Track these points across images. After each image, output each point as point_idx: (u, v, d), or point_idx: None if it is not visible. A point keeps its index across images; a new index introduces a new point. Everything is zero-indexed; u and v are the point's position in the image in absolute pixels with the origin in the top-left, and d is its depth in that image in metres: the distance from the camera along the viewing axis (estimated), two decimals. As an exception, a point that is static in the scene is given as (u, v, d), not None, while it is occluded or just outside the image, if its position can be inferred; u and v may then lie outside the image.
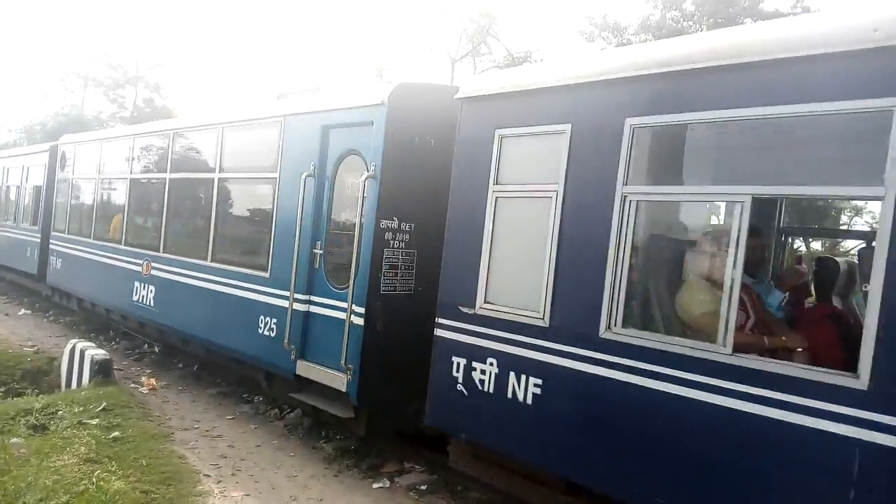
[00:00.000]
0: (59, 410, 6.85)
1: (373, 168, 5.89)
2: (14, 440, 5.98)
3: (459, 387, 5.08)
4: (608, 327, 4.17)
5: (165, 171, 9.14)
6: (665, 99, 4.05)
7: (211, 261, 7.95)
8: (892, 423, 3.01)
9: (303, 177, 6.53)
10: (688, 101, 3.94)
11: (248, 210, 7.95)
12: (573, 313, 4.40)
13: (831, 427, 3.21)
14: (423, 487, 5.98)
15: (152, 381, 8.68)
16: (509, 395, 4.72)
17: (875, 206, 3.53)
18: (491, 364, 4.88)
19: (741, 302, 3.96)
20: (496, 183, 4.97)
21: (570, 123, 4.48)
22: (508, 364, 4.75)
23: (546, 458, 4.60)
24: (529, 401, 4.59)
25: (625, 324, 4.15)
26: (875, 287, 3.16)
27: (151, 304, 9.05)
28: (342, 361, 5.92)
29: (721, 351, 3.67)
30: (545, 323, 4.53)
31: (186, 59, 72.03)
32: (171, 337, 9.30)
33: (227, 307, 7.58)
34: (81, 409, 6.95)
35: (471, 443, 5.31)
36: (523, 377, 4.65)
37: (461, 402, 5.07)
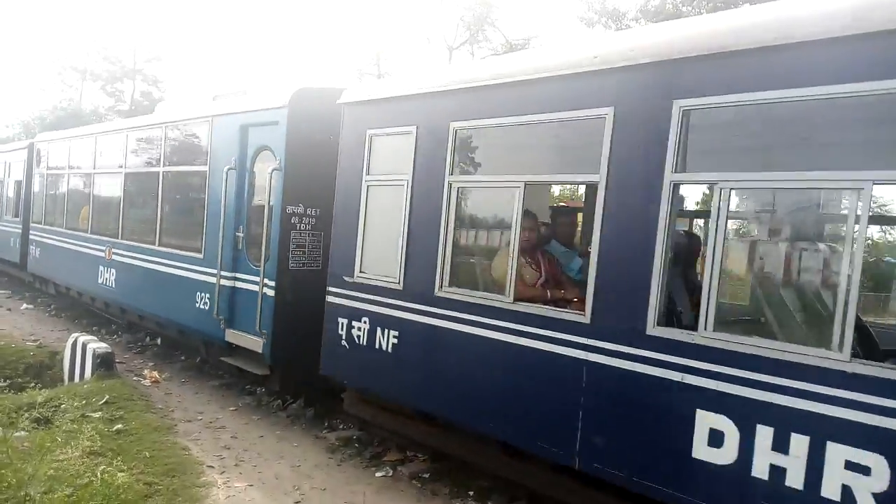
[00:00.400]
0: (62, 404, 6.86)
1: (278, 161, 6.91)
2: (17, 433, 6.00)
3: (343, 342, 6.26)
4: (440, 287, 5.31)
5: (122, 166, 10.23)
6: (470, 107, 5.21)
7: (158, 245, 9.06)
8: (603, 346, 4.24)
9: (226, 170, 7.55)
10: (483, 110, 5.11)
11: (187, 199, 8.86)
12: (418, 278, 5.49)
13: (571, 352, 4.42)
14: (426, 475, 6.00)
15: (155, 373, 8.70)
16: (377, 346, 5.88)
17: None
18: (364, 322, 6.02)
19: (537, 264, 5.29)
20: (367, 174, 6.09)
21: (416, 125, 5.58)
22: (376, 321, 5.90)
23: (403, 394, 5.88)
24: (390, 349, 5.77)
25: (450, 284, 5.28)
26: (593, 255, 4.31)
27: (113, 285, 10.17)
28: (258, 328, 7.05)
29: (505, 300, 4.85)
30: (400, 287, 5.66)
31: (184, 51, 71.75)
32: (130, 314, 10.34)
33: (172, 285, 8.66)
34: (84, 402, 6.97)
35: (353, 388, 6.66)
36: (386, 331, 5.81)
37: (345, 354, 6.26)
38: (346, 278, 6.23)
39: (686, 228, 6.37)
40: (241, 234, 7.54)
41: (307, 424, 7.26)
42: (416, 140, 5.56)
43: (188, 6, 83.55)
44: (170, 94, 39.79)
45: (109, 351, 8.33)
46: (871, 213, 3.33)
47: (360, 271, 6.10)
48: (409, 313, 5.60)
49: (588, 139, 4.54)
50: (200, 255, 8.11)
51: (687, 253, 5.50)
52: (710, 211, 3.90)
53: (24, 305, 13.77)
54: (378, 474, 5.98)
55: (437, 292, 5.32)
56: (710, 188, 4.06)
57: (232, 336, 7.60)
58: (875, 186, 3.25)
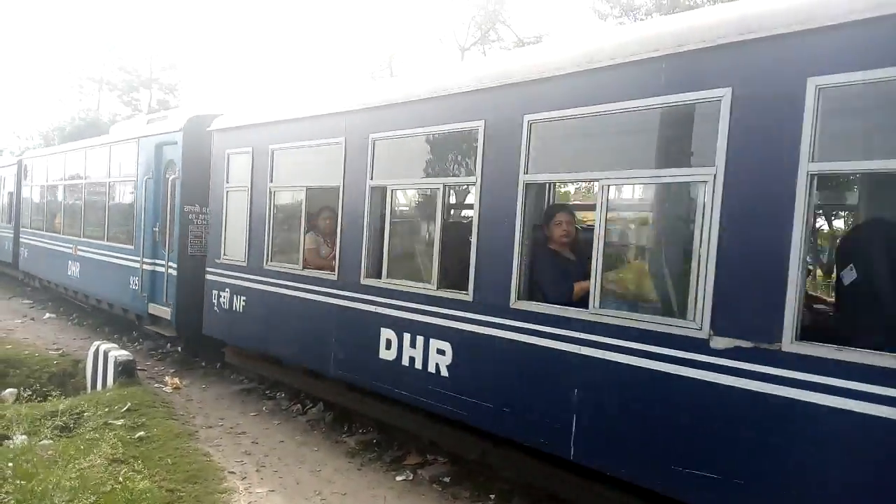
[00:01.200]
0: (84, 412, 6.93)
1: (178, 172, 9.21)
2: (42, 442, 6.06)
3: (215, 308, 8.44)
4: (268, 261, 7.53)
5: (83, 178, 12.67)
6: (283, 135, 7.40)
7: (106, 240, 11.43)
8: (483, 319, 5.07)
9: (145, 179, 10.01)
10: (289, 136, 7.35)
11: (125, 204, 11.06)
12: (256, 257, 7.72)
13: (458, 325, 5.31)
14: (447, 479, 5.97)
15: (175, 380, 8.76)
16: (234, 308, 8.08)
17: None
18: (227, 291, 8.23)
19: (332, 244, 6.92)
20: (227, 182, 8.26)
21: (251, 147, 7.78)
22: (233, 290, 8.10)
23: (253, 343, 7.98)
24: (241, 311, 7.97)
25: (272, 259, 7.52)
26: (473, 246, 5.11)
27: (78, 276, 12.48)
28: (165, 300, 9.40)
29: (297, 269, 7.05)
30: (245, 264, 7.88)
31: (199, 57, 72.36)
32: (90, 299, 12.47)
33: (114, 272, 11.00)
34: (107, 409, 7.03)
35: (229, 343, 8.75)
36: (239, 297, 7.99)
37: (217, 317, 8.43)
38: (216, 260, 8.45)
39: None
40: (156, 229, 9.75)
41: (326, 429, 7.27)
42: (252, 157, 7.76)
43: (201, 12, 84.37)
44: (185, 100, 40.20)
45: (131, 358, 8.40)
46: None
47: (224, 255, 8.31)
48: (250, 283, 7.82)
49: (467, 147, 5.27)
50: (132, 247, 10.42)
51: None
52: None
53: (47, 315, 13.95)
54: (399, 478, 5.96)
55: (265, 266, 7.56)
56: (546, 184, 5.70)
57: (152, 308, 9.85)
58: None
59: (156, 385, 8.58)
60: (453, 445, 5.98)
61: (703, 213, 3.77)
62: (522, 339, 4.76)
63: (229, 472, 5.77)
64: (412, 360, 5.69)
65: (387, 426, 7.02)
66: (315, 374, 7.24)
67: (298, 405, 8.01)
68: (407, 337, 5.74)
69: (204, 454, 6.15)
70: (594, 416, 4.32)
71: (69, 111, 39.21)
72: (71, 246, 12.77)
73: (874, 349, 3.17)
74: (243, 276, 7.92)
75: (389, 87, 6.52)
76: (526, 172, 4.73)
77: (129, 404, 7.17)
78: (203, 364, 9.81)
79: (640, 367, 4.06)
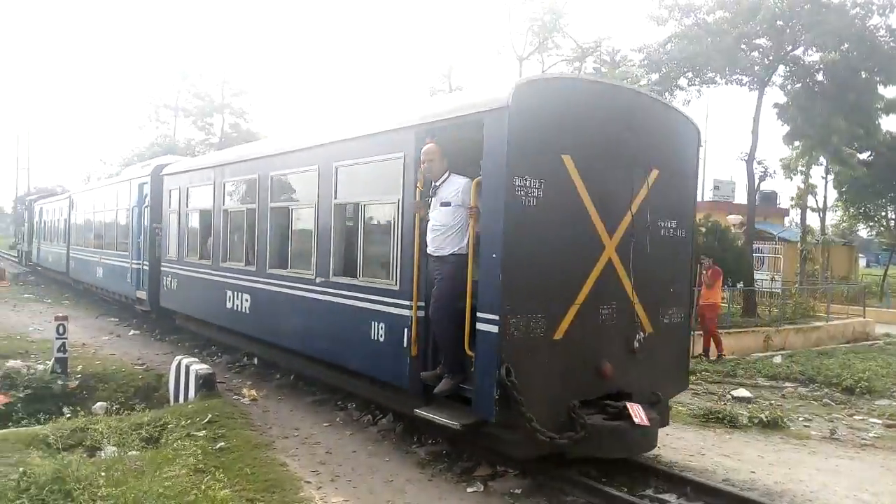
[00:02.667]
0: (168, 424, 7.26)
1: (147, 201, 13.91)
2: (130, 453, 6.38)
3: (165, 287, 13.08)
4: (185, 257, 12.25)
5: (103, 209, 17.93)
6: (194, 179, 12.20)
7: (116, 250, 16.32)
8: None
9: (134, 208, 14.91)
10: (196, 179, 12.13)
11: (121, 224, 16.19)
12: (182, 254, 12.31)
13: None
14: (518, 491, 5.92)
15: (253, 391, 9.06)
16: (174, 287, 12.63)
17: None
18: (169, 277, 12.87)
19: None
20: (169, 208, 12.95)
21: (178, 185, 12.61)
22: (173, 275, 12.68)
23: (183, 308, 12.57)
24: (176, 288, 12.52)
25: (188, 256, 12.17)
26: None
27: (101, 276, 17.64)
28: (142, 287, 14.14)
29: (195, 259, 11.94)
30: (176, 258, 12.53)
31: (268, 80, 75.36)
32: (102, 293, 18.09)
33: (115, 272, 16.20)
34: (189, 421, 7.34)
35: (179, 313, 13.07)
36: (174, 279, 12.61)
37: (166, 294, 13.05)
38: (164, 258, 13.18)
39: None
40: (140, 240, 14.33)
41: (397, 439, 7.34)
42: (178, 192, 12.62)
43: (268, 35, 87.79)
44: (256, 124, 41.81)
45: (211, 372, 8.76)
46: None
47: (168, 254, 13.02)
48: (180, 270, 12.44)
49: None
50: (128, 253, 15.30)
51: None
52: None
53: (132, 332, 14.73)
54: (469, 490, 5.95)
55: (185, 259, 12.22)
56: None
57: (138, 293, 14.49)
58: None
59: (234, 397, 8.90)
60: (289, 363, 9.59)
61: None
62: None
63: (305, 482, 5.91)
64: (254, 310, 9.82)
65: (455, 438, 7.03)
66: (218, 327, 11.40)
67: (369, 416, 8.12)
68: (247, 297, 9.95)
69: (281, 464, 6.32)
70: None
71: (148, 137, 41.46)
72: (98, 255, 17.85)
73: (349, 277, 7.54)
74: (175, 266, 12.62)
75: (236, 151, 12.45)
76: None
77: (209, 416, 7.47)
78: (278, 376, 10.13)
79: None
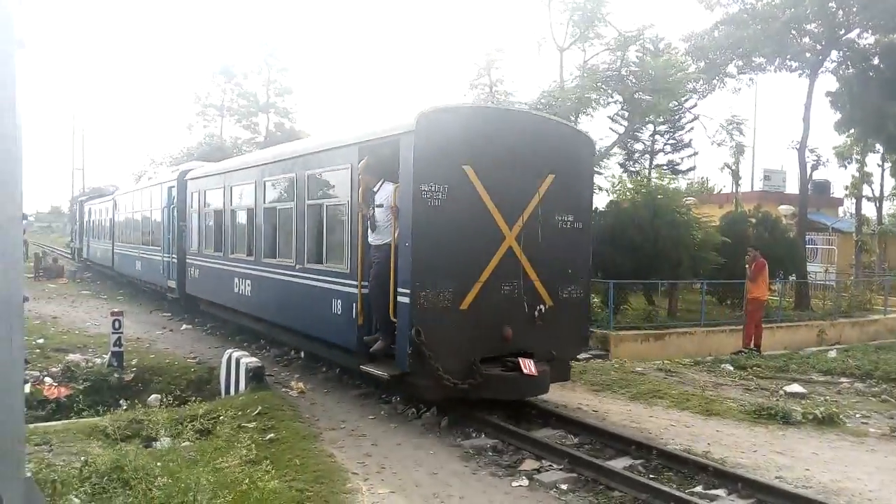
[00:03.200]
0: (220, 415, 7.47)
1: (175, 202, 15.69)
2: (184, 444, 6.59)
3: (190, 277, 14.73)
4: (201, 251, 14.19)
5: (140, 209, 19.78)
6: (206, 184, 14.24)
7: (152, 245, 18.06)
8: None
9: (164, 208, 16.50)
10: (208, 184, 14.09)
11: (155, 222, 17.85)
12: (203, 248, 14.00)
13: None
14: (564, 486, 5.90)
15: (300, 384, 9.24)
16: (197, 276, 14.35)
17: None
18: (194, 267, 14.46)
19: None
20: (191, 208, 14.89)
21: (197, 189, 14.53)
22: (196, 266, 14.41)
23: (205, 294, 14.12)
24: (199, 276, 14.29)
25: (205, 249, 13.99)
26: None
27: (139, 268, 19.42)
28: (172, 276, 15.75)
29: (211, 251, 13.66)
30: (198, 251, 14.29)
31: (312, 79, 76.36)
32: (141, 284, 19.73)
33: (151, 264, 17.92)
34: (240, 413, 7.54)
35: (201, 299, 14.50)
36: (197, 269, 14.30)
37: (191, 281, 14.71)
38: (189, 251, 14.82)
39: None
40: (170, 236, 15.98)
41: (441, 433, 7.39)
42: (197, 194, 14.37)
43: (312, 31, 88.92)
44: (301, 122, 42.41)
45: (260, 365, 8.97)
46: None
47: (191, 248, 14.65)
48: (200, 261, 14.02)
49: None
50: (160, 248, 16.93)
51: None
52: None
53: (184, 326, 15.17)
54: (514, 484, 5.96)
55: (203, 252, 13.73)
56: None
57: (169, 283, 16.16)
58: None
59: (283, 389, 9.09)
60: (276, 334, 11.38)
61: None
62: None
63: (352, 473, 6.00)
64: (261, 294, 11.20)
65: (502, 430, 7.10)
66: (230, 309, 12.82)
67: (413, 409, 8.20)
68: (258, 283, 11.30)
69: (328, 455, 6.44)
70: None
71: (196, 137, 42.50)
72: (137, 250, 19.82)
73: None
74: (198, 258, 14.17)
75: (239, 160, 14.79)
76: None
77: (259, 408, 7.65)
78: (324, 370, 10.31)
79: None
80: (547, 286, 7.84)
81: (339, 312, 8.41)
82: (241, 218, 12.21)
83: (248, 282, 11.53)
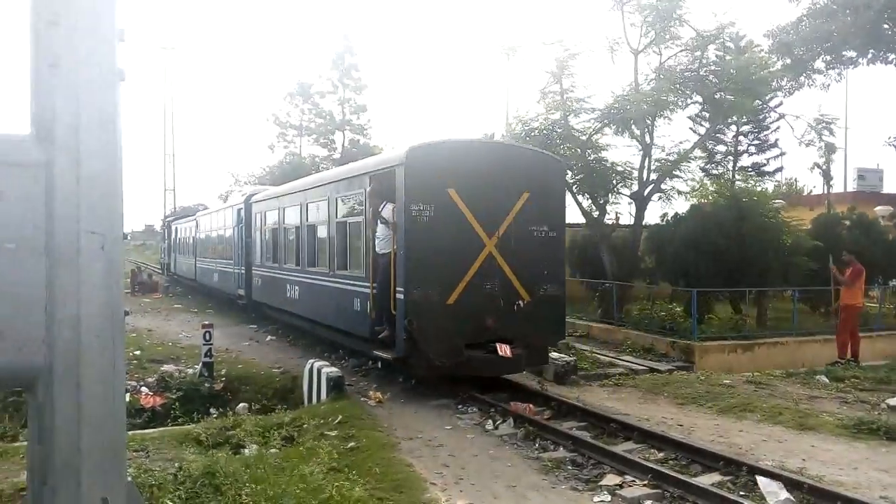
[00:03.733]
0: (303, 424, 7.70)
1: (242, 222, 18.04)
2: (271, 451, 6.84)
3: (255, 285, 17.08)
4: (263, 263, 16.41)
5: (216, 229, 22.20)
6: (270, 204, 16.18)
7: (222, 258, 20.75)
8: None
9: (234, 227, 18.78)
10: (273, 204, 15.90)
11: (228, 238, 19.93)
12: (265, 260, 16.20)
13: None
14: (648, 503, 5.71)
15: (378, 394, 9.39)
16: (260, 284, 16.66)
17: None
18: (258, 276, 16.86)
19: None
20: (254, 226, 17.46)
21: (260, 210, 16.94)
22: (258, 275, 16.80)
23: (265, 299, 16.29)
24: (261, 285, 16.54)
25: (267, 261, 16.18)
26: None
27: (216, 280, 21.74)
28: (242, 288, 18.05)
29: (270, 263, 16.07)
30: (260, 263, 16.72)
31: (386, 95, 78.36)
32: (218, 293, 21.98)
33: (225, 276, 20.22)
34: (322, 421, 7.75)
35: (263, 303, 16.56)
36: (260, 279, 16.65)
37: (256, 288, 17.00)
38: (254, 263, 16.97)
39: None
40: (240, 251, 18.06)
41: (518, 445, 7.33)
42: (260, 214, 16.74)
43: (383, 47, 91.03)
44: (376, 138, 43.43)
45: (340, 375, 9.20)
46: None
47: (255, 261, 16.79)
48: (262, 271, 16.25)
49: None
50: (232, 261, 18.98)
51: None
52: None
53: (269, 337, 15.76)
54: (596, 499, 5.82)
55: (264, 263, 16.01)
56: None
57: (239, 291, 18.23)
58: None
59: (362, 399, 9.27)
60: (316, 331, 13.00)
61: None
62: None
63: (431, 483, 6.04)
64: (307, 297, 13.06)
65: (582, 443, 6.99)
66: (287, 312, 14.41)
67: (490, 420, 8.18)
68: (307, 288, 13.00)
69: (407, 465, 6.51)
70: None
71: (277, 156, 44.28)
72: (214, 264, 22.07)
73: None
74: (260, 269, 16.43)
75: (287, 186, 16.05)
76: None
77: (340, 417, 7.84)
78: (400, 380, 10.45)
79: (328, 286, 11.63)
80: (524, 285, 9.31)
81: (357, 308, 10.21)
82: (291, 234, 14.30)
83: (297, 287, 13.59)
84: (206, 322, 11.39)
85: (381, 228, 9.41)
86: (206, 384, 10.39)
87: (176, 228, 31.36)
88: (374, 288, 9.59)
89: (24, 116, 2.21)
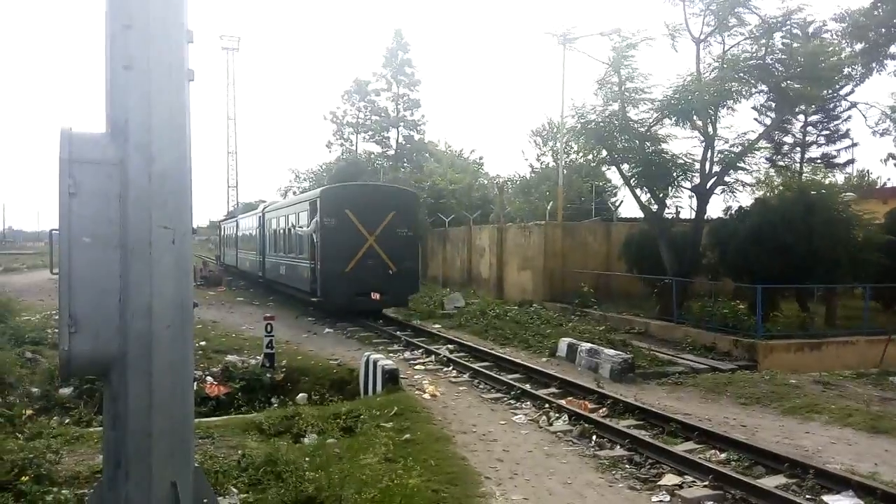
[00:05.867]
0: (360, 415, 7.83)
1: (260, 227, 26.00)
2: (329, 440, 6.99)
3: (267, 266, 24.69)
4: (268, 255, 24.98)
5: (244, 230, 30.54)
6: (272, 214, 24.80)
7: (252, 250, 28.01)
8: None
9: (257, 228, 26.47)
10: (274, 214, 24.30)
11: (253, 236, 27.72)
12: (268, 253, 24.80)
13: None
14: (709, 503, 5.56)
15: (432, 387, 9.46)
16: (269, 267, 24.35)
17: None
18: (269, 261, 24.35)
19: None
20: (265, 227, 25.36)
21: (259, 214, 27.00)
22: (269, 261, 24.55)
23: (274, 277, 23.51)
24: (269, 267, 24.48)
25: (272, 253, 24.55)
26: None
27: (245, 264, 30.21)
28: (260, 271, 25.81)
29: (279, 252, 23.33)
30: (260, 258, 25.95)
31: (438, 93, 78.58)
32: (239, 269, 31.79)
33: (248, 262, 29.11)
34: (377, 413, 7.86)
35: (270, 280, 24.41)
36: (269, 263, 24.37)
37: (267, 270, 24.49)
38: (266, 253, 24.59)
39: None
40: (259, 245, 25.61)
41: (574, 442, 7.25)
42: (266, 219, 25.25)
43: (438, 44, 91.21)
44: (430, 133, 43.69)
45: (395, 367, 9.32)
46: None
47: (267, 252, 24.48)
48: (269, 259, 24.08)
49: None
50: (255, 251, 26.38)
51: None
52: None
53: (326, 329, 16.11)
54: (654, 499, 5.71)
55: (269, 253, 24.14)
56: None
57: (259, 274, 25.80)
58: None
59: (416, 392, 9.37)
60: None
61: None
62: (297, 263, 19.34)
63: (485, 478, 6.05)
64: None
65: (640, 442, 6.88)
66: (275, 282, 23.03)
67: (544, 416, 8.13)
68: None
69: (461, 458, 6.54)
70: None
71: (334, 153, 45.07)
72: (245, 253, 29.61)
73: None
74: (268, 257, 24.15)
75: (277, 203, 26.17)
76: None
77: (395, 409, 7.94)
78: (454, 373, 10.49)
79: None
80: (392, 261, 16.65)
81: (306, 276, 17.72)
82: (280, 234, 22.02)
83: (282, 266, 21.14)
84: (268, 314, 11.70)
85: (313, 232, 16.85)
86: (267, 375, 10.69)
87: (223, 227, 40.85)
88: (312, 263, 17.21)
89: (99, 117, 2.32)
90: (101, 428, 7.34)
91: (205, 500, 3.07)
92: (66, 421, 8.40)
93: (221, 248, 40.78)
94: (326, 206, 16.37)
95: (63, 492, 5.19)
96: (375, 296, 15.98)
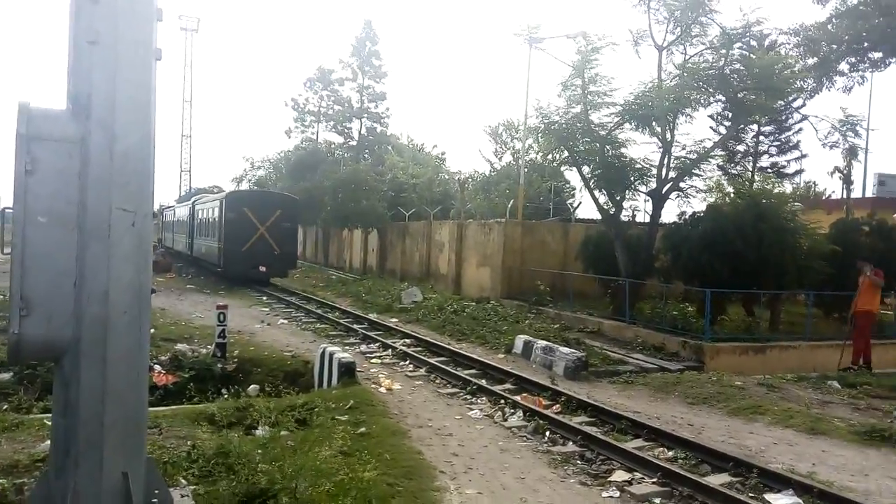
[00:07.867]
0: (315, 407, 7.75)
1: (192, 214, 30.40)
2: (283, 433, 6.89)
3: (195, 247, 29.56)
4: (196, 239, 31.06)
5: (180, 217, 34.99)
6: (201, 206, 29.32)
7: (184, 234, 32.44)
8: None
9: (189, 217, 30.80)
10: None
11: (185, 223, 31.88)
12: (196, 234, 30.47)
13: None
14: (657, 500, 5.71)
15: (388, 381, 9.44)
16: (196, 248, 30.13)
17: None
18: (197, 243, 30.01)
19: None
20: (196, 218, 30.91)
21: (188, 204, 33.17)
22: (197, 243, 30.22)
23: (199, 255, 29.07)
24: (195, 247, 29.88)
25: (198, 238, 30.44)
26: (218, 228, 25.40)
27: (180, 245, 34.03)
28: (189, 250, 30.51)
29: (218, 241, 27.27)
30: (219, 246, 25.82)
31: (403, 86, 78.23)
32: (175, 249, 36.36)
33: (182, 244, 33.04)
34: (334, 406, 7.80)
35: (197, 258, 29.36)
36: (196, 245, 29.49)
37: (195, 250, 29.31)
38: (195, 237, 29.53)
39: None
40: (190, 230, 30.09)
41: (528, 437, 7.34)
42: (194, 209, 30.47)
43: (403, 37, 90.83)
44: (393, 127, 43.39)
45: (352, 360, 9.25)
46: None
47: (196, 235, 29.40)
48: (196, 241, 29.27)
49: (209, 211, 26.59)
50: (186, 235, 31.13)
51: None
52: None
53: (280, 320, 15.88)
54: (604, 494, 5.83)
55: (196, 236, 29.96)
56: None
57: (189, 252, 30.37)
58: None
59: (372, 385, 9.33)
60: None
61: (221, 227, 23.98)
62: (211, 244, 25.74)
63: (440, 472, 6.07)
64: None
65: (591, 439, 6.99)
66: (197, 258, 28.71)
67: (500, 412, 8.20)
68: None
69: (417, 452, 6.55)
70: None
71: (293, 141, 44.35)
72: (180, 237, 32.42)
73: None
74: (196, 239, 29.22)
75: (206, 198, 29.98)
76: (213, 216, 25.86)
77: (351, 402, 7.89)
78: (410, 367, 10.47)
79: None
80: (277, 245, 23.21)
81: (216, 253, 23.74)
82: (203, 222, 27.10)
83: (203, 246, 26.68)
84: (221, 303, 11.45)
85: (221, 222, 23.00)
86: (218, 365, 10.47)
87: (164, 213, 44.86)
88: (220, 243, 23.17)
89: (59, 92, 2.23)
90: (42, 415, 7.10)
91: (156, 491, 3.00)
92: (5, 407, 8.07)
93: (162, 232, 44.75)
94: (230, 204, 23.23)
95: (0, 480, 4.98)
96: (263, 268, 22.82)
